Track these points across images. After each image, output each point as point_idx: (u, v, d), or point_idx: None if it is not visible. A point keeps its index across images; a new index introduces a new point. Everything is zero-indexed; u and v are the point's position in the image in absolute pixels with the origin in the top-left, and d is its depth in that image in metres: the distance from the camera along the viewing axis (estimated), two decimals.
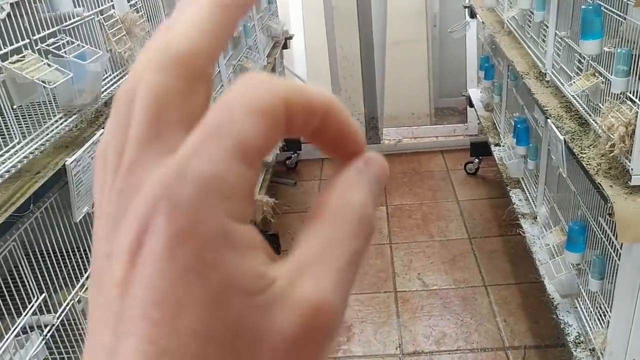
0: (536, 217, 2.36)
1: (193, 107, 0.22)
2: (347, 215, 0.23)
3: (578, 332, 1.79)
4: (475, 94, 3.66)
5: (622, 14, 1.45)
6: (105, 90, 1.27)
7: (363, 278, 3.01)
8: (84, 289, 1.19)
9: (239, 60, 2.64)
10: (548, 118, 1.85)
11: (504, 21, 2.74)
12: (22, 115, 1.05)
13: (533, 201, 2.43)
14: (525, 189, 2.56)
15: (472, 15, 3.48)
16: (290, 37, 3.81)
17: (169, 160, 0.20)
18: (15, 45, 1.02)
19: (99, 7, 1.32)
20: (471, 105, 3.72)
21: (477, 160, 3.77)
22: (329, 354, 0.23)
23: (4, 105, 0.97)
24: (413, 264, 3.10)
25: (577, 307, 1.84)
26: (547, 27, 2.07)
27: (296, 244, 0.23)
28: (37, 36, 1.08)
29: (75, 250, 1.20)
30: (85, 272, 1.21)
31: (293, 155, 4.03)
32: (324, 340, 0.21)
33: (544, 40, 2.14)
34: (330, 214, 0.23)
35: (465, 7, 3.59)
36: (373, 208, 0.24)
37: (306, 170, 4.11)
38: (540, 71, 2.18)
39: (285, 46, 3.74)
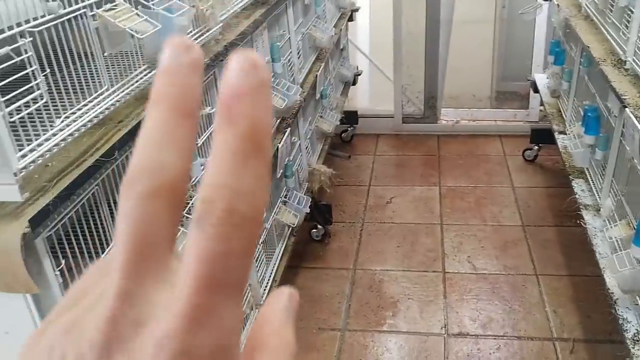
0: (599, 209, 2.29)
1: (172, 230, 0.23)
2: (287, 353, 0.26)
3: (637, 330, 1.74)
4: (542, 79, 3.55)
5: None
6: None
7: (412, 255, 3.01)
8: None
9: (308, 28, 2.62)
10: (626, 107, 1.79)
11: (582, 4, 2.63)
12: (109, 64, 1.07)
13: (597, 193, 2.36)
14: (589, 179, 2.48)
15: None
16: (357, 10, 3.77)
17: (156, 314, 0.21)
18: None
19: None
20: (536, 91, 3.61)
21: (536, 147, 3.68)
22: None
23: (96, 52, 1.00)
24: (463, 246, 3.07)
25: (637, 304, 1.79)
26: (632, 12, 1.99)
27: None
28: None
29: None
30: None
31: (349, 129, 4.01)
32: None
33: (627, 26, 2.05)
34: (273, 352, 0.25)
35: None
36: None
37: (361, 145, 4.09)
38: (620, 58, 2.10)
39: (350, 18, 3.71)
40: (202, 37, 1.36)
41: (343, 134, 4.00)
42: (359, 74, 3.97)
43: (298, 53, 2.42)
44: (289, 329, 0.27)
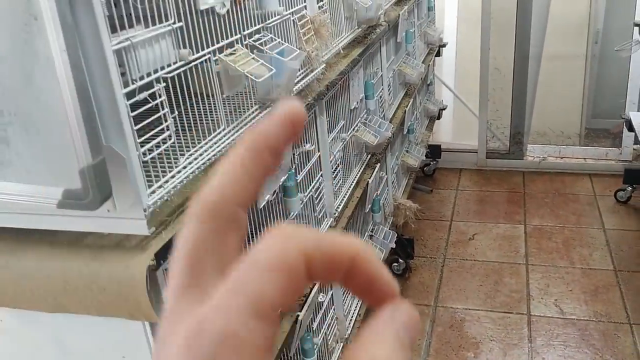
0: None
1: (225, 251, 0.25)
2: None
3: None
4: (638, 117, 3.42)
5: None
6: (295, 86, 1.34)
7: (495, 295, 2.93)
8: None
9: (399, 65, 2.66)
10: None
11: None
12: (225, 105, 1.13)
13: None
14: None
15: None
16: (444, 45, 3.77)
17: (197, 311, 0.22)
18: (230, 40, 1.10)
19: (294, 6, 1.38)
20: (631, 130, 3.48)
21: (630, 188, 3.52)
22: None
23: (216, 94, 1.06)
24: (550, 288, 2.96)
25: None
26: None
27: None
28: (246, 32, 1.16)
29: (256, 235, 1.28)
30: None
31: (432, 163, 3.99)
32: None
33: None
34: None
35: (636, 25, 3.37)
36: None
37: (443, 179, 4.06)
38: None
39: (438, 53, 3.72)
40: (307, 78, 1.41)
41: (425, 168, 3.98)
42: (444, 109, 3.96)
43: (389, 89, 2.46)
44: (383, 345, 0.24)
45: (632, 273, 3.01)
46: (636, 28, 3.38)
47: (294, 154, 1.43)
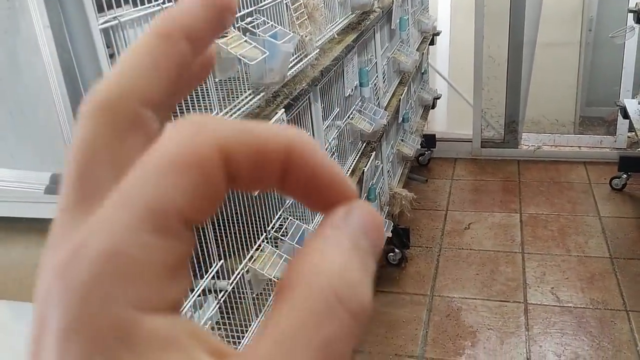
0: None
1: (125, 156, 0.19)
2: (317, 289, 0.17)
3: None
4: (632, 104, 3.41)
5: None
6: (289, 71, 1.31)
7: (492, 284, 2.92)
8: (252, 260, 1.24)
9: (393, 52, 2.63)
10: None
11: None
12: (217, 89, 1.10)
13: None
14: None
15: (638, 20, 3.23)
16: (438, 34, 3.75)
17: (75, 234, 0.17)
18: None
19: None
20: (625, 117, 3.47)
21: (625, 175, 3.52)
22: None
23: (209, 78, 1.03)
24: (546, 277, 2.95)
25: None
26: None
27: (258, 331, 0.18)
28: (238, 14, 1.13)
29: (248, 222, 1.26)
30: (255, 244, 1.26)
31: (427, 152, 3.98)
32: None
33: None
34: (298, 289, 0.17)
35: (631, 11, 3.35)
36: (360, 273, 0.18)
37: (438, 168, 4.04)
38: None
39: (432, 42, 3.69)
40: (301, 63, 1.38)
41: (420, 158, 3.97)
42: (438, 98, 3.94)
43: (383, 77, 2.43)
44: (333, 255, 0.18)
45: (627, 260, 3.00)
46: (630, 14, 3.36)
47: None
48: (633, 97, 3.56)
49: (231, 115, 1.11)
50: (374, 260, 0.19)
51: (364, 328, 0.18)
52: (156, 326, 0.16)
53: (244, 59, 1.03)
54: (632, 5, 3.37)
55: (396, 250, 2.97)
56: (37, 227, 0.93)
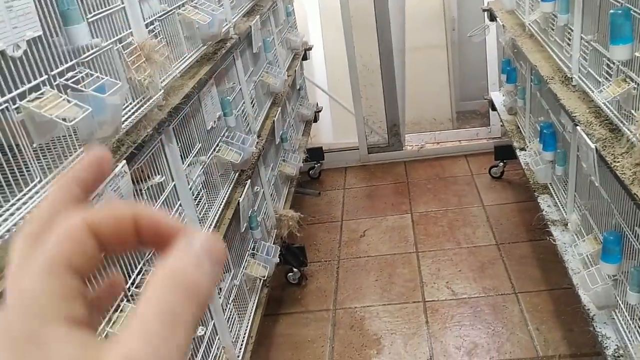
0: (567, 224, 2.30)
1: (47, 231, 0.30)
2: (163, 279, 0.26)
3: (617, 345, 1.73)
4: (498, 97, 3.60)
5: None
6: (126, 119, 1.26)
7: (391, 288, 2.98)
8: (111, 324, 1.18)
9: (260, 75, 2.62)
10: (577, 125, 1.80)
11: (526, 24, 2.68)
12: (41, 152, 1.04)
13: (563, 208, 2.37)
14: (554, 195, 2.50)
15: (492, 18, 3.42)
16: (310, 48, 3.79)
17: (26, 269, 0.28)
18: (33, 83, 1.01)
19: (117, 35, 1.31)
20: (494, 109, 3.66)
21: (501, 163, 3.71)
22: None
23: (23, 146, 0.97)
24: (441, 272, 3.05)
25: (614, 319, 1.79)
26: (572, 30, 2.02)
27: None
28: (55, 71, 1.07)
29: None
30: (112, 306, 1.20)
31: (316, 165, 4.01)
32: None
33: (569, 44, 2.09)
34: (151, 282, 0.26)
35: (484, 10, 3.54)
36: (197, 271, 0.26)
37: (329, 180, 4.08)
38: (566, 76, 2.13)
39: (305, 57, 3.73)
40: (142, 109, 1.34)
41: (310, 171, 3.99)
42: (320, 111, 3.99)
43: (252, 102, 2.41)
44: (175, 257, 0.27)
45: (512, 244, 3.16)
46: (485, 13, 3.55)
47: (140, 190, 1.35)
48: (499, 90, 3.76)
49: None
50: (217, 269, 0.27)
51: (204, 304, 0.27)
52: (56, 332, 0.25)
53: (61, 121, 0.98)
54: (485, 5, 3.57)
55: (294, 269, 2.97)
56: None
